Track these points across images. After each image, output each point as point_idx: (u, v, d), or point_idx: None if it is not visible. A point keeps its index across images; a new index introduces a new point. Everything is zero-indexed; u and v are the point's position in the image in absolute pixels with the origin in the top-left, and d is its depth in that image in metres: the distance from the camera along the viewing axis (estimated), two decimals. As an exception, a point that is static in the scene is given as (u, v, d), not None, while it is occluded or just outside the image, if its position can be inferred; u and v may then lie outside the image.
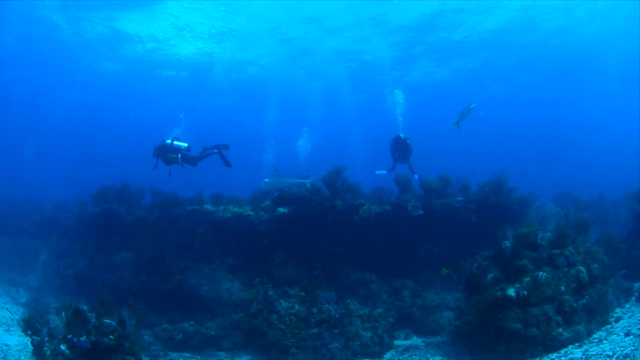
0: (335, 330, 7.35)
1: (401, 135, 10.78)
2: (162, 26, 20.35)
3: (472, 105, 7.15)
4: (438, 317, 8.09)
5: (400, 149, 10.77)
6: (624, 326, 5.38)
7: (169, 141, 10.21)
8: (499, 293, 5.96)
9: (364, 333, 7.35)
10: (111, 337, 5.11)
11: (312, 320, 7.47)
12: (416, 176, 10.53)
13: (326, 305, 7.66)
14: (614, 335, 5.17)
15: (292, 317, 7.51)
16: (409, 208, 8.18)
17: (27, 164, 34.87)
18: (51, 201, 13.93)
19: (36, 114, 31.65)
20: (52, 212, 12.89)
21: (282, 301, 7.76)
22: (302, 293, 7.95)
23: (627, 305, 6.05)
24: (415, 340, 7.72)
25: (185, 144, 10.34)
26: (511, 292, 5.85)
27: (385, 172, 10.93)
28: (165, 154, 10.07)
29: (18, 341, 6.69)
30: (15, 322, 7.31)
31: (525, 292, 5.75)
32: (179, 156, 10.07)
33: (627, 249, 7.33)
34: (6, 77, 24.93)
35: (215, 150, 10.59)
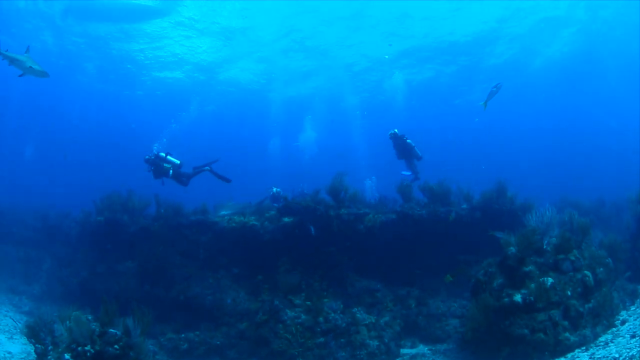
0: (342, 339, 7.33)
1: (391, 132, 10.82)
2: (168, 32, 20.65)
3: (499, 84, 7.36)
4: (444, 324, 8.08)
5: (395, 147, 10.79)
6: (630, 328, 5.41)
7: (162, 154, 10.26)
8: (506, 299, 5.99)
9: (371, 342, 7.32)
10: (116, 346, 5.08)
11: (318, 329, 7.45)
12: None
13: (332, 314, 7.64)
14: (620, 338, 5.20)
15: (298, 326, 7.49)
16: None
17: (27, 169, 34.62)
18: (54, 208, 13.83)
19: (36, 118, 31.47)
20: (55, 220, 12.80)
21: (288, 310, 7.75)
22: (308, 302, 7.94)
23: (632, 308, 6.08)
24: (422, 348, 7.70)
25: (178, 161, 10.34)
26: (518, 298, 5.88)
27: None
28: (159, 162, 10.09)
29: (21, 349, 6.64)
30: (18, 330, 7.26)
31: (532, 298, 5.78)
32: (170, 168, 10.08)
33: (631, 251, 7.38)
34: (6, 78, 24.87)
35: (207, 168, 10.58)
